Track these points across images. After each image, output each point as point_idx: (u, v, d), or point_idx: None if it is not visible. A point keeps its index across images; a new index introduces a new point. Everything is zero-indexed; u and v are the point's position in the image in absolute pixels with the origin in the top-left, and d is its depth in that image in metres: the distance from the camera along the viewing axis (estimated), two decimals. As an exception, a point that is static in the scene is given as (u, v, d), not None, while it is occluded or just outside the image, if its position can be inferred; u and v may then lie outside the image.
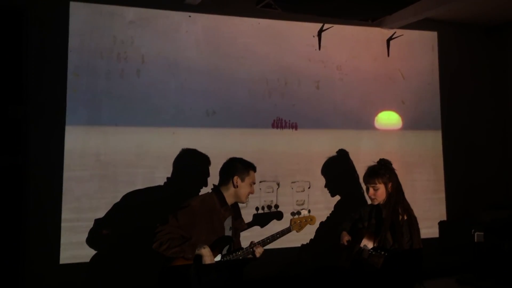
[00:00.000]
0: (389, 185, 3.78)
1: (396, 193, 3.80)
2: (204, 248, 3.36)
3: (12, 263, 3.99)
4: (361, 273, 3.68)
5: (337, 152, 4.95)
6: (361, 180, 4.03)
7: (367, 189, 3.85)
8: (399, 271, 3.62)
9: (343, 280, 3.84)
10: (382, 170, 3.80)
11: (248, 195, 3.67)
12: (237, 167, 3.62)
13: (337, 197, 4.91)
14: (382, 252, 3.55)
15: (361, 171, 4.68)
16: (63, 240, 4.07)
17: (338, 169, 4.94)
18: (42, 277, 4.00)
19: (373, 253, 3.62)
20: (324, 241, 4.70)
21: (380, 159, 3.91)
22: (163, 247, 3.30)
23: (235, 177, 3.59)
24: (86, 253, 4.12)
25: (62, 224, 4.08)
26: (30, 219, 4.01)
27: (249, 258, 3.54)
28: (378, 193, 3.79)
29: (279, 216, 4.68)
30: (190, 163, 4.41)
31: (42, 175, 4.06)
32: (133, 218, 4.19)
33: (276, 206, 4.73)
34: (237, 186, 3.59)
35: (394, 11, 4.88)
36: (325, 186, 4.89)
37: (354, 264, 3.75)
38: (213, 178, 3.88)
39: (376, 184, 3.77)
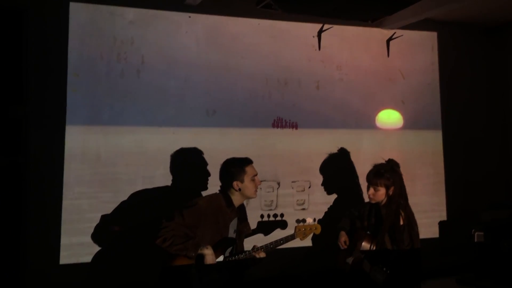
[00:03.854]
0: (391, 188, 3.73)
1: (398, 197, 3.75)
2: (207, 248, 3.35)
3: (12, 263, 3.99)
4: (361, 275, 3.67)
5: (338, 150, 4.94)
6: (361, 180, 3.99)
7: (368, 187, 3.81)
8: (399, 272, 3.60)
9: (342, 282, 3.83)
10: (388, 173, 3.74)
11: (256, 188, 3.62)
12: (232, 172, 3.56)
13: (335, 195, 4.89)
14: (384, 269, 3.50)
15: (360, 171, 4.71)
16: (63, 240, 4.07)
17: (337, 167, 4.92)
18: (42, 277, 4.00)
19: (375, 268, 3.56)
20: (322, 240, 4.70)
21: (389, 159, 3.85)
22: (167, 243, 3.31)
23: (234, 183, 3.55)
24: (86, 253, 4.12)
25: (62, 224, 4.07)
26: (30, 219, 4.01)
27: (251, 261, 3.52)
28: (377, 194, 3.75)
29: (283, 225, 4.66)
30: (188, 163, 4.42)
31: (42, 175, 4.06)
32: (137, 217, 4.19)
33: (282, 215, 4.72)
34: (240, 189, 3.57)
35: (394, 12, 4.88)
36: (322, 184, 4.85)
37: (354, 269, 3.74)
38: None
39: (377, 185, 3.73)
